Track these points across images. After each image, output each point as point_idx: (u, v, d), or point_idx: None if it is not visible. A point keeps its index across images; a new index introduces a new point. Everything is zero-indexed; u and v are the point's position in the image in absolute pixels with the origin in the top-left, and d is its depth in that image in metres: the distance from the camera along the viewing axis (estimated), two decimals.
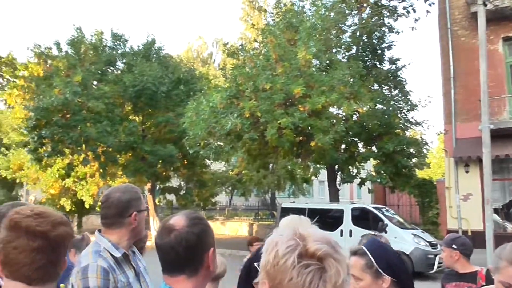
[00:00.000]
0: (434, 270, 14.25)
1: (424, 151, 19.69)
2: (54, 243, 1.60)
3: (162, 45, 26.67)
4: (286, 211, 15.64)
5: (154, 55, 25.21)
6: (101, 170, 24.03)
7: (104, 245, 2.47)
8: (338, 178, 20.54)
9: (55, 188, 27.21)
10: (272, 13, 22.02)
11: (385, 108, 18.97)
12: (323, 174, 21.53)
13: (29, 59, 24.60)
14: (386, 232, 14.17)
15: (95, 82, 23.72)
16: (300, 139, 18.62)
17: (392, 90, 20.94)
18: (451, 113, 19.73)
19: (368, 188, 22.01)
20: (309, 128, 16.94)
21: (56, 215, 1.66)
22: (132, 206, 2.52)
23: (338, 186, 20.47)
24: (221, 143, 18.24)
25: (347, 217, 16.32)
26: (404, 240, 14.49)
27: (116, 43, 24.66)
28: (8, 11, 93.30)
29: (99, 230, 2.56)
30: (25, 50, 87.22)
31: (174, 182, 27.98)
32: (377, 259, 2.23)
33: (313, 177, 22.15)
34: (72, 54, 23.48)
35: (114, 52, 24.60)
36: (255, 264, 2.96)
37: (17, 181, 31.43)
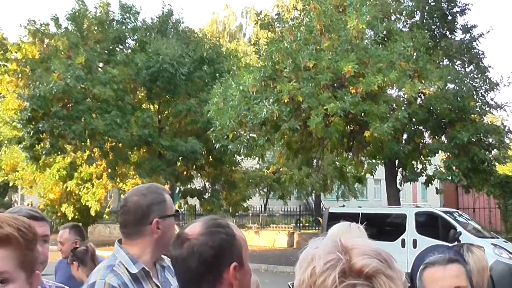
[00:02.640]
0: None
1: (507, 140, 19.37)
2: None
3: (181, 17, 26.94)
4: (334, 217, 15.95)
5: (172, 30, 25.60)
6: (109, 170, 24.35)
7: (121, 258, 2.49)
8: (399, 176, 20.39)
9: (55, 192, 27.67)
10: None
11: (457, 88, 18.63)
12: (380, 171, 21.47)
13: (22, 39, 25.01)
14: (459, 241, 13.85)
15: (101, 64, 24.05)
16: (352, 128, 18.50)
17: (467, 65, 20.69)
18: None
19: (436, 188, 21.62)
20: (363, 114, 16.84)
21: None
22: (153, 211, 2.51)
23: (398, 186, 20.32)
24: (254, 135, 18.23)
25: (411, 224, 16.28)
26: None
27: (125, 16, 25.03)
28: None
29: (120, 241, 2.59)
30: (17, 28, 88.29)
31: (198, 183, 28.08)
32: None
33: (367, 175, 21.99)
34: (73, 31, 23.91)
35: (124, 28, 24.97)
36: (289, 284, 3.13)
37: (11, 184, 32.11)
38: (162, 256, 2.64)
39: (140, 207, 2.50)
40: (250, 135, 18.32)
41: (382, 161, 19.97)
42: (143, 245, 2.51)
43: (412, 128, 19.47)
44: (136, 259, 2.48)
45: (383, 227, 16.49)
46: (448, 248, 2.52)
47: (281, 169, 28.81)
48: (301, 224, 32.17)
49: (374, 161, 20.48)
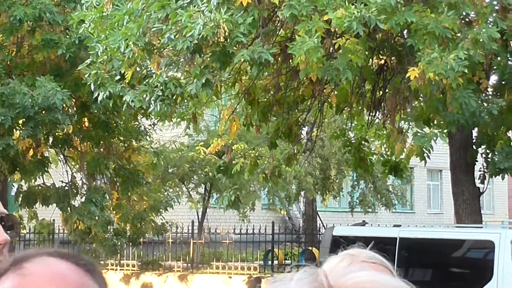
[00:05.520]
0: None
1: None
2: None
3: None
4: (343, 246, 14.73)
5: None
6: None
7: None
8: (480, 163, 20.49)
9: None
10: None
11: None
12: (440, 150, 21.35)
13: None
14: None
15: None
16: (382, 62, 19.16)
17: None
18: None
19: None
20: (405, 33, 17.20)
21: None
22: None
23: (479, 183, 20.40)
24: (179, 74, 18.14)
25: (505, 260, 16.74)
26: None
27: None
28: None
29: None
30: None
31: (58, 175, 26.80)
32: None
33: (413, 160, 20.92)
34: None
35: None
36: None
37: None
38: None
39: None
40: (170, 73, 17.90)
41: (444, 131, 19.51)
42: None
43: (510, 62, 18.58)
44: None
45: (447, 268, 16.75)
46: None
47: (234, 147, 26.53)
48: (276, 261, 31.40)
49: (427, 130, 19.12)
